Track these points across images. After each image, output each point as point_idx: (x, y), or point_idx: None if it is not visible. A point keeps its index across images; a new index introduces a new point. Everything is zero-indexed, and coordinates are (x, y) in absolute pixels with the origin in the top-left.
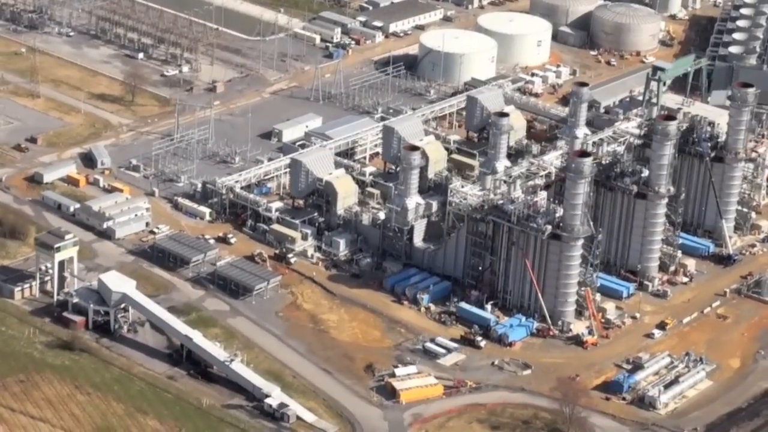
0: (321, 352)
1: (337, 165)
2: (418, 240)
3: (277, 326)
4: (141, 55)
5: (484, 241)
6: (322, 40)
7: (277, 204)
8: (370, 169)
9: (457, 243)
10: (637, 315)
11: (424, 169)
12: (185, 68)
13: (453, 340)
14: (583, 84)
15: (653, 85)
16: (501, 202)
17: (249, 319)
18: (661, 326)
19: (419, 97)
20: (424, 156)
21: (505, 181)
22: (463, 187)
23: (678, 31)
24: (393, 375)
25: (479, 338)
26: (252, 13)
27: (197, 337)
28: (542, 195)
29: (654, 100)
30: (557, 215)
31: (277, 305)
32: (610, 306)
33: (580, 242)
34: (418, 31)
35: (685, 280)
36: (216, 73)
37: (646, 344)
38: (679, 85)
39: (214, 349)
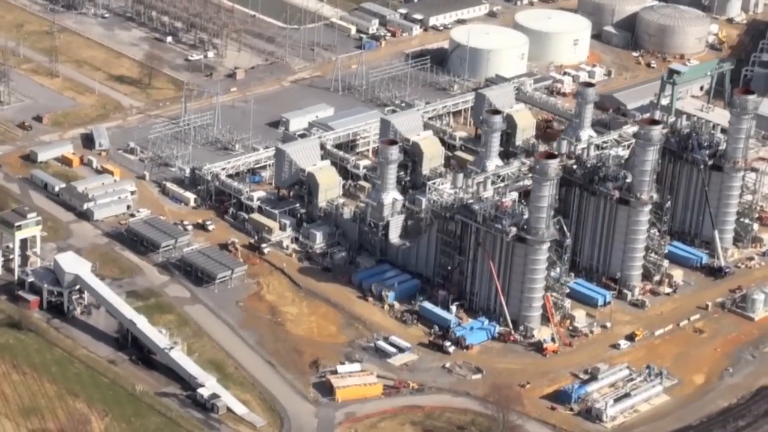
0: (271, 344)
1: (331, 157)
2: (394, 236)
3: (233, 316)
4: (170, 39)
5: (453, 241)
6: (358, 31)
7: (260, 193)
8: (364, 162)
9: (428, 241)
10: (608, 324)
11: (418, 165)
12: (210, 53)
13: (421, 344)
14: (589, 84)
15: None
16: (470, 201)
17: (207, 308)
18: (631, 337)
19: (442, 92)
20: (419, 151)
21: (477, 180)
22: (442, 184)
23: (732, 36)
24: (335, 372)
25: (448, 343)
26: (296, 1)
27: (141, 323)
28: (512, 196)
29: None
30: (524, 217)
31: (239, 295)
32: (580, 313)
33: (546, 246)
34: (458, 25)
35: (669, 290)
36: (242, 59)
37: (610, 355)
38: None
39: (155, 335)
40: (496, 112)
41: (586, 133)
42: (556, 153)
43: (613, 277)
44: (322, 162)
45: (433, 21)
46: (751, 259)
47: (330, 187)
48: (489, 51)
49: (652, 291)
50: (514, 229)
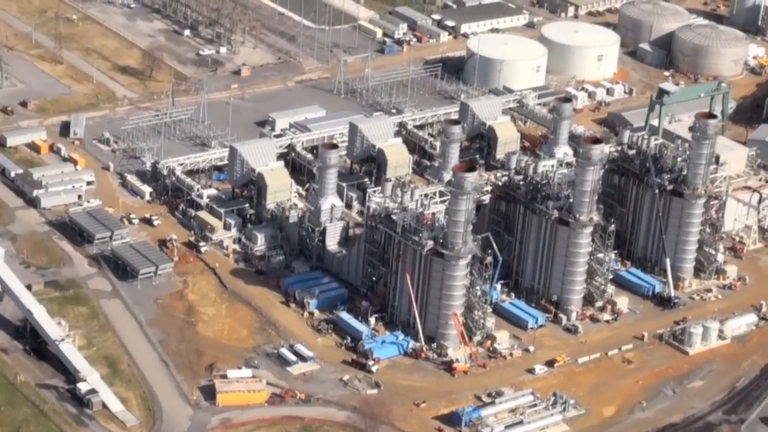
0: (174, 344)
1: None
2: (331, 243)
3: (146, 312)
4: (187, 32)
5: (378, 251)
6: (384, 34)
7: (211, 191)
8: None
9: (358, 250)
10: (531, 348)
11: (382, 171)
12: (223, 49)
13: (344, 362)
14: (567, 100)
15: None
16: (394, 211)
17: (123, 303)
18: (550, 363)
19: (449, 101)
20: (383, 158)
21: (404, 189)
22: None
23: None
24: (225, 376)
25: (371, 362)
26: (334, 2)
27: (38, 313)
28: (438, 208)
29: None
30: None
31: (161, 292)
32: (503, 334)
33: (464, 262)
34: (492, 34)
35: (608, 317)
36: (255, 56)
37: (523, 379)
38: (741, 115)
39: (50, 326)
40: (455, 122)
41: (562, 150)
42: (500, 166)
43: (552, 300)
44: (275, 163)
45: (464, 29)
46: (709, 291)
47: (280, 189)
48: (501, 61)
49: (592, 317)
50: (430, 243)
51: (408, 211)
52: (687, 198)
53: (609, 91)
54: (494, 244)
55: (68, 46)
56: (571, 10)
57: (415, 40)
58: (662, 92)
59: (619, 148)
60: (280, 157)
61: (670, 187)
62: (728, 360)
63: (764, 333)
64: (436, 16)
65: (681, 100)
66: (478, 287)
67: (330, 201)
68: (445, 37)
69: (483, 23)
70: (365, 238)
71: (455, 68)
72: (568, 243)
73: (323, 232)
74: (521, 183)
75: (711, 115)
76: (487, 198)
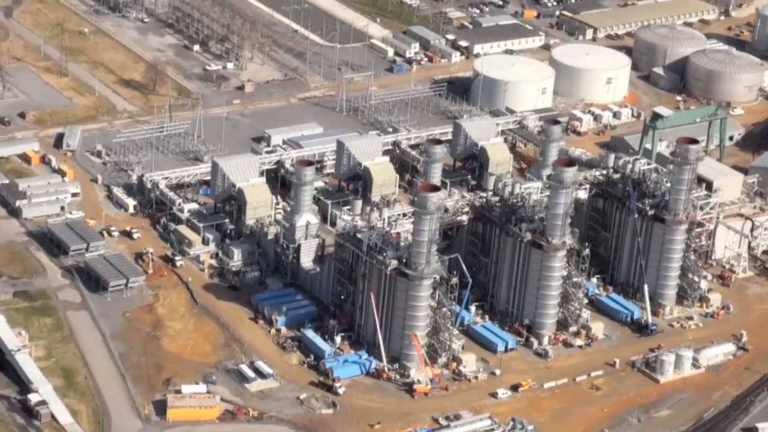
0: (135, 357)
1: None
2: (306, 260)
3: (112, 325)
4: (197, 47)
5: (346, 270)
6: (395, 53)
7: (192, 205)
8: (315, 184)
9: (328, 269)
10: (498, 371)
11: (367, 190)
12: (230, 65)
13: (312, 383)
14: (556, 122)
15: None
16: (362, 229)
17: (90, 315)
18: (515, 387)
19: (451, 120)
20: (369, 176)
21: (376, 207)
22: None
23: None
24: (179, 391)
25: (338, 384)
26: (347, 18)
27: None
28: (405, 227)
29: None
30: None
31: (130, 305)
32: (470, 357)
33: (427, 282)
34: (497, 54)
35: (581, 343)
36: (261, 73)
37: (485, 403)
38: (750, 141)
39: (7, 336)
40: (437, 141)
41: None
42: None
43: (524, 324)
44: (256, 179)
45: (477, 49)
46: (690, 318)
47: (260, 205)
48: (506, 82)
49: (565, 342)
50: (394, 262)
51: (374, 229)
52: (668, 224)
53: (616, 115)
54: (463, 266)
55: (76, 59)
56: (589, 33)
57: (426, 59)
58: (656, 116)
59: (604, 172)
60: (271, 173)
61: (651, 212)
62: (700, 390)
63: (741, 363)
64: (450, 37)
65: (675, 125)
66: (444, 308)
67: (305, 218)
68: (456, 57)
69: (497, 44)
70: (334, 256)
71: (463, 88)
72: (541, 266)
73: (298, 249)
74: (497, 204)
75: (692, 140)
76: (465, 219)
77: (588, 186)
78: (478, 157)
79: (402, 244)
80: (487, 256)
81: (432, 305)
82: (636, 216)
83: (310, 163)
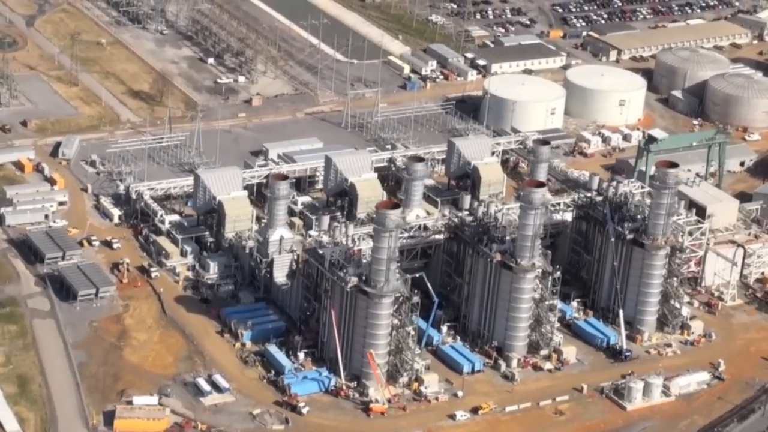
0: (94, 367)
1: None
2: (279, 275)
3: (77, 334)
4: (211, 60)
5: (311, 285)
6: (412, 70)
7: (174, 217)
8: (303, 199)
9: (296, 284)
10: (460, 393)
11: (354, 206)
12: (242, 78)
13: (276, 403)
14: (545, 142)
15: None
16: (326, 245)
17: (56, 323)
18: (475, 410)
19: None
20: (354, 193)
21: (343, 223)
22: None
23: None
24: (131, 402)
25: (302, 404)
26: (369, 35)
27: None
28: (367, 244)
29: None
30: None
31: (98, 314)
32: (433, 377)
33: (387, 300)
34: (521, 74)
35: (551, 366)
36: (272, 87)
37: (442, 425)
38: (762, 168)
39: None
40: (419, 159)
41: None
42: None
43: (494, 345)
44: (237, 192)
45: (495, 68)
46: (668, 345)
47: (240, 219)
48: (514, 102)
49: (535, 365)
50: (354, 279)
51: (337, 246)
52: (647, 248)
53: (626, 137)
54: (429, 285)
55: (89, 69)
56: (613, 54)
57: (442, 77)
58: (651, 139)
59: (588, 195)
60: (261, 186)
61: (630, 237)
62: (667, 418)
63: (715, 393)
64: (470, 55)
65: (670, 148)
66: (408, 328)
67: (279, 232)
68: (473, 75)
69: (516, 63)
70: (302, 272)
71: (474, 107)
72: (511, 288)
73: (271, 264)
74: (471, 224)
75: (671, 164)
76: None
77: (572, 208)
78: (471, 176)
79: (364, 261)
80: (460, 276)
81: (395, 324)
82: (613, 239)
83: (284, 178)
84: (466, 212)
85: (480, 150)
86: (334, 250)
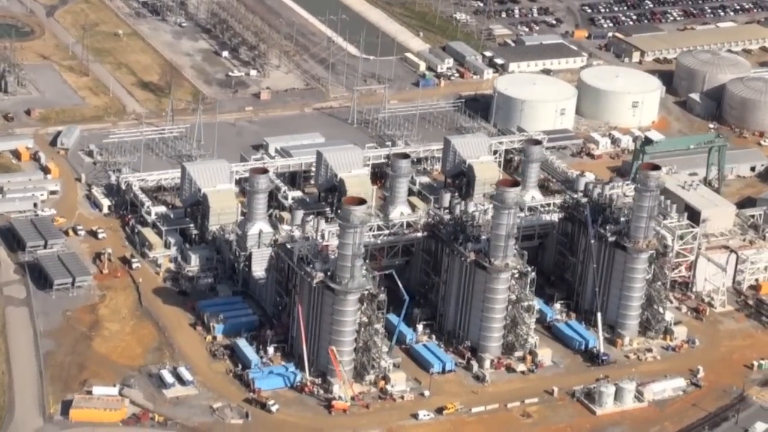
0: (60, 357)
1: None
2: (257, 268)
3: (49, 323)
4: (225, 53)
5: (283, 280)
6: (428, 68)
7: (160, 208)
8: (294, 194)
9: (271, 279)
10: (426, 393)
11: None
12: (253, 72)
13: (246, 401)
14: (537, 142)
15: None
16: (295, 240)
17: (30, 311)
18: (441, 410)
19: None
20: (343, 189)
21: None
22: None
23: None
24: (90, 392)
25: (271, 402)
26: (390, 31)
27: None
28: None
29: None
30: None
31: (74, 304)
32: (400, 376)
33: (353, 297)
34: (536, 74)
35: (525, 368)
36: (283, 81)
37: (404, 424)
38: None
39: None
40: (405, 156)
41: (530, 194)
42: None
43: (467, 345)
44: (223, 185)
45: (513, 67)
46: (649, 350)
47: (225, 212)
48: (523, 101)
49: (508, 367)
50: (320, 275)
51: (306, 241)
52: (629, 252)
53: (636, 140)
54: (399, 283)
55: (103, 60)
56: (636, 56)
57: (457, 75)
58: (647, 141)
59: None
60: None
61: (612, 239)
62: (637, 424)
63: (690, 399)
64: (488, 53)
65: (667, 150)
66: (376, 325)
67: (258, 226)
68: (488, 74)
69: (535, 63)
70: (274, 266)
71: (486, 106)
72: (485, 288)
73: (249, 258)
74: (448, 222)
75: (654, 167)
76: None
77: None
78: (466, 174)
79: (332, 257)
80: (438, 275)
81: (363, 321)
82: (593, 241)
83: (264, 171)
84: (446, 210)
85: (477, 149)
86: (303, 245)
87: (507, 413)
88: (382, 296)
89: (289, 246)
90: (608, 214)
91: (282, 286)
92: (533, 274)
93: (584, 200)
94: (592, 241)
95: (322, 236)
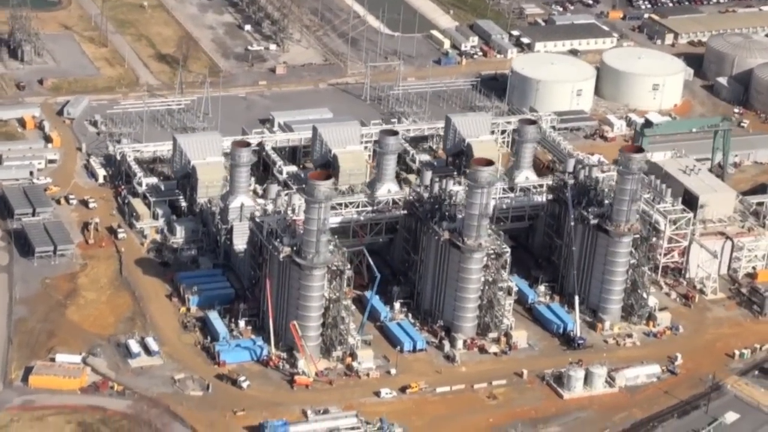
0: (32, 324)
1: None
2: (239, 242)
3: (26, 290)
4: (248, 27)
5: (255, 254)
6: (452, 46)
7: (152, 179)
8: (290, 168)
9: (247, 252)
10: (393, 371)
11: (336, 177)
12: (273, 46)
13: (218, 376)
14: (531, 122)
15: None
16: (267, 214)
17: (9, 278)
18: (404, 389)
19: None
20: (336, 164)
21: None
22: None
23: None
24: (53, 359)
25: (242, 378)
26: (420, 7)
27: None
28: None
29: None
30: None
31: (54, 271)
32: (367, 353)
33: (318, 272)
34: (555, 54)
35: (497, 350)
36: (302, 56)
37: (365, 401)
38: None
39: None
40: (393, 132)
41: (524, 174)
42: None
43: (440, 325)
44: (212, 158)
45: (539, 47)
46: (629, 336)
47: (213, 184)
48: (538, 81)
49: (481, 348)
50: (287, 250)
51: (274, 215)
52: (611, 235)
53: (631, 123)
54: (370, 260)
55: (125, 31)
56: (669, 38)
57: (481, 53)
58: (647, 123)
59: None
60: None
61: (594, 222)
62: (604, 409)
63: (663, 387)
64: (516, 33)
65: (668, 133)
66: (344, 301)
67: (240, 200)
68: (512, 53)
69: (563, 43)
70: (249, 240)
71: (505, 85)
72: (459, 267)
73: (230, 231)
74: (426, 200)
75: (638, 149)
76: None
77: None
78: (465, 153)
79: (300, 231)
80: (416, 253)
81: (332, 297)
82: (572, 224)
83: (246, 145)
84: (425, 188)
85: (478, 127)
86: (272, 220)
87: (472, 394)
88: (349, 272)
89: (258, 220)
90: (592, 196)
91: (255, 260)
92: (508, 254)
93: (571, 182)
94: (572, 224)
95: (293, 210)
